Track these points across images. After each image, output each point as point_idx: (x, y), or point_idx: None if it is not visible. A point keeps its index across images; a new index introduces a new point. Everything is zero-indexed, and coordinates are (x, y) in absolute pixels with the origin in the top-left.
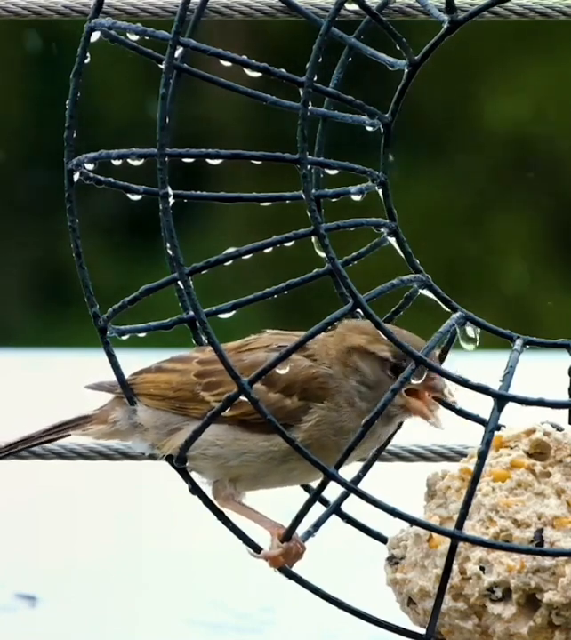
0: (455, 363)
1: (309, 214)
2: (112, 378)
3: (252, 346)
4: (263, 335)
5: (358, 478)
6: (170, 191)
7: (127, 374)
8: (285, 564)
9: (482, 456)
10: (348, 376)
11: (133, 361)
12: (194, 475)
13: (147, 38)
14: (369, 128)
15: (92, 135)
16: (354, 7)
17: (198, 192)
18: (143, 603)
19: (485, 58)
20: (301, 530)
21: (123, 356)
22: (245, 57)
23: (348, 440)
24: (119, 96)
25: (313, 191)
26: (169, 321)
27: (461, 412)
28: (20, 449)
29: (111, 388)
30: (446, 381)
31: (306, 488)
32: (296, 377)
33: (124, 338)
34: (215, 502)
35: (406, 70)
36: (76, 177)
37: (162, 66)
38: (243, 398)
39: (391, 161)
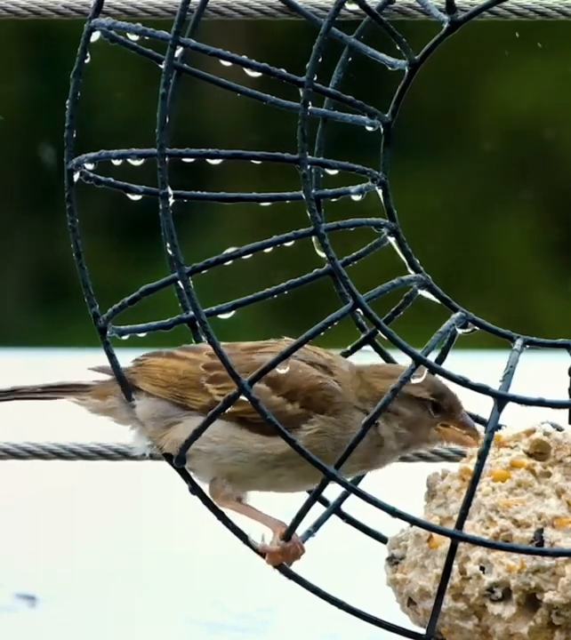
0: (455, 363)
1: (309, 214)
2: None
3: (267, 350)
4: (281, 342)
5: (358, 479)
6: (170, 191)
7: None
8: (282, 562)
9: (482, 456)
10: (389, 421)
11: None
12: (194, 475)
13: (147, 38)
14: (369, 128)
15: (92, 135)
16: (354, 7)
17: (198, 192)
18: (143, 603)
19: (485, 58)
20: (301, 530)
21: (123, 356)
22: (245, 57)
23: (353, 464)
24: (119, 96)
25: (313, 191)
26: (169, 321)
27: None
28: (11, 398)
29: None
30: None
31: None
32: (301, 384)
33: (124, 338)
34: (214, 502)
35: (406, 70)
36: (76, 177)
37: (162, 66)
38: (243, 397)
39: (391, 161)
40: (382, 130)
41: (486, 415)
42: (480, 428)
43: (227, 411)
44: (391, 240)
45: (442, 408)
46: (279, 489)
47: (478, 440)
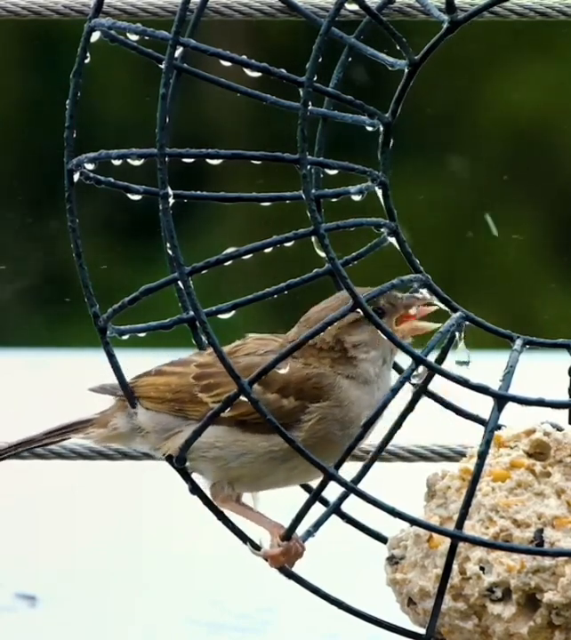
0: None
1: (309, 214)
2: (112, 378)
3: (242, 351)
4: (247, 341)
5: (358, 478)
6: (170, 191)
7: (127, 374)
8: (285, 563)
9: (482, 456)
10: (357, 357)
11: (133, 361)
12: (194, 475)
13: (147, 38)
14: (369, 128)
15: (92, 135)
16: (354, 7)
17: (198, 192)
18: (143, 603)
19: (485, 58)
20: (301, 530)
21: (123, 356)
22: (244, 57)
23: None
24: (119, 96)
25: (313, 191)
26: (169, 321)
27: (461, 412)
28: (20, 451)
29: (114, 390)
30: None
31: (306, 488)
32: (290, 378)
33: (124, 338)
34: (214, 503)
35: (406, 70)
36: (76, 177)
37: (162, 66)
38: (242, 399)
39: (391, 161)
40: (381, 130)
41: (486, 415)
42: (480, 428)
43: (227, 416)
44: (391, 240)
45: (383, 311)
46: (295, 481)
47: (428, 308)
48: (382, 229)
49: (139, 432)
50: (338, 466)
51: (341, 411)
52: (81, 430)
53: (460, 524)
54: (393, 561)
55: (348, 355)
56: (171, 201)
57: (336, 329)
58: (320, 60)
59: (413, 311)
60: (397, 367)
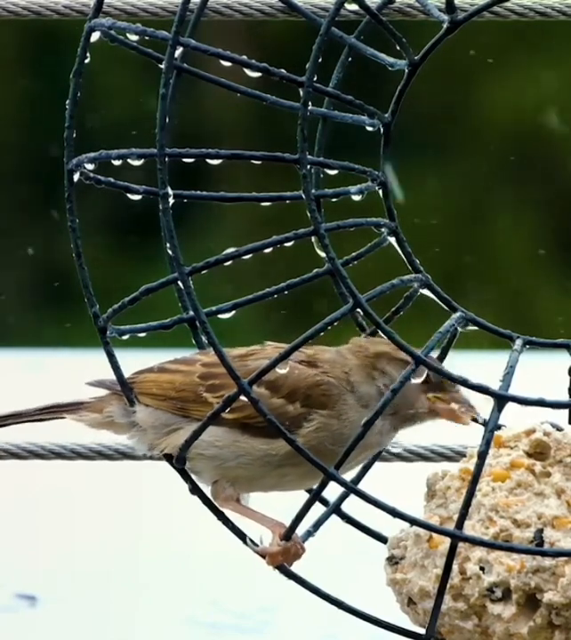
0: (455, 363)
1: (309, 214)
2: (112, 377)
3: (257, 356)
4: (267, 348)
5: (358, 478)
6: (170, 191)
7: (127, 374)
8: (283, 562)
9: (482, 456)
10: (375, 378)
11: (133, 361)
12: (194, 475)
13: (147, 38)
14: (369, 128)
15: (92, 135)
16: (354, 7)
17: (198, 192)
18: (143, 603)
19: (485, 58)
20: (301, 530)
21: (123, 356)
22: (245, 57)
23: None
24: (119, 96)
25: (313, 191)
26: (169, 321)
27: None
28: (10, 423)
29: (112, 385)
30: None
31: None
32: (300, 383)
33: (124, 338)
34: (215, 503)
35: (406, 70)
36: (76, 177)
37: (162, 66)
38: (245, 400)
39: (391, 161)
40: (381, 130)
41: (486, 415)
42: (480, 428)
43: (230, 417)
44: (391, 240)
45: (430, 380)
46: (285, 488)
47: (471, 415)
48: (382, 229)
49: (136, 427)
50: (338, 466)
51: (338, 424)
52: (74, 411)
53: (460, 524)
54: (393, 561)
55: (372, 371)
56: (171, 201)
57: (387, 349)
58: (320, 59)
59: (453, 406)
60: None
